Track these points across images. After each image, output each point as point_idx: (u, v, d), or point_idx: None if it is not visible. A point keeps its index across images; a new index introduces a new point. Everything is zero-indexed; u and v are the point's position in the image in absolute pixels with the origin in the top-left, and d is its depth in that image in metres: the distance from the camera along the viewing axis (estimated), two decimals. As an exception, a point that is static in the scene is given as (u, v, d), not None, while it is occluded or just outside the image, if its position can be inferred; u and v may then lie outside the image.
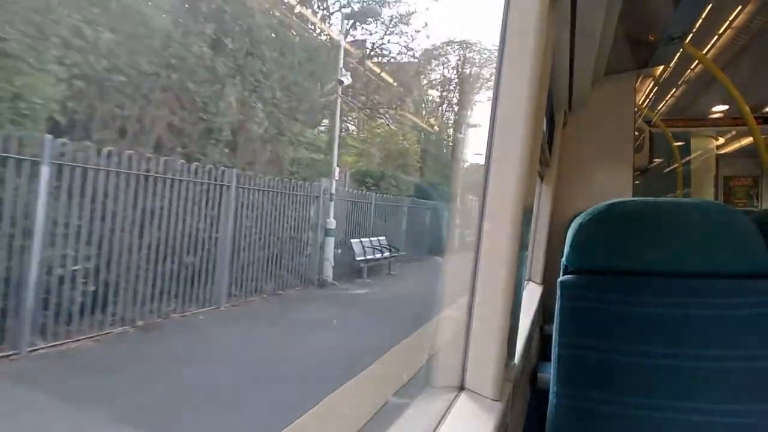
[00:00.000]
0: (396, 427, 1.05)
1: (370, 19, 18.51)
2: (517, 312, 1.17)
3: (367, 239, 12.84)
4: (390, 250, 13.76)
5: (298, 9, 12.93)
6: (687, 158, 11.23)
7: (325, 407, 3.44)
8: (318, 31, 15.19)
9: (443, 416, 0.96)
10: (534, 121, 1.01)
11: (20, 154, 4.62)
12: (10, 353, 4.52)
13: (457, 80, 24.81)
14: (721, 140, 11.33)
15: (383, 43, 19.19)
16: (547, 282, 2.75)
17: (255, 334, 6.47)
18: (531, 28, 0.98)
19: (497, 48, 1.02)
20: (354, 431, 3.08)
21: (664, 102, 9.48)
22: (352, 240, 11.99)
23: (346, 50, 14.61)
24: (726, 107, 8.84)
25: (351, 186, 14.51)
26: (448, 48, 24.83)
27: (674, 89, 8.89)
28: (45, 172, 4.77)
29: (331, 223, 10.73)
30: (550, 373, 1.23)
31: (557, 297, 1.23)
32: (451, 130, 24.68)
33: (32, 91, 5.03)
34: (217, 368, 4.90)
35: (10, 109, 4.87)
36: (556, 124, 2.70)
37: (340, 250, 11.31)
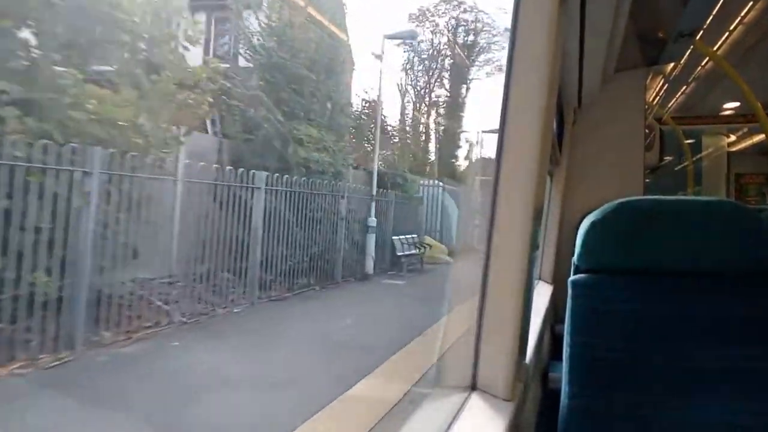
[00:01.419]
0: (408, 427, 1.05)
1: None
2: (528, 312, 1.17)
3: None
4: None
5: None
6: (698, 156, 11.14)
7: None
8: None
9: (455, 416, 0.95)
10: (544, 119, 1.00)
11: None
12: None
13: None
14: (733, 137, 11.23)
15: None
16: (558, 281, 2.74)
17: None
18: (541, 25, 0.98)
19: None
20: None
21: (675, 99, 9.41)
22: None
23: None
24: (737, 104, 8.76)
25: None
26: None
27: (685, 86, 8.81)
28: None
29: None
30: (561, 373, 1.23)
31: (568, 296, 1.23)
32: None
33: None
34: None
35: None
36: (566, 122, 2.69)
37: None
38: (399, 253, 11.98)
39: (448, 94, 21.49)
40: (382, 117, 14.96)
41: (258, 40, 10.00)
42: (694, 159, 10.77)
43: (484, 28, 21.35)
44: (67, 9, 5.46)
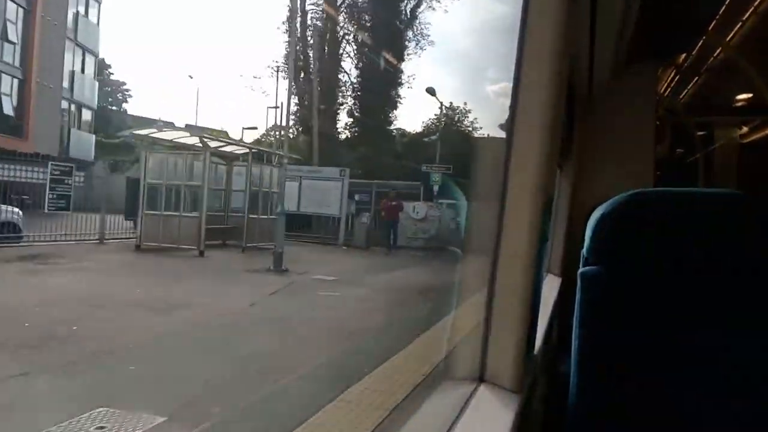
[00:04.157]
0: (415, 419, 1.06)
1: None
2: (537, 304, 1.16)
3: None
4: None
5: None
6: (710, 148, 11.01)
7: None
8: None
9: (462, 408, 0.96)
10: (554, 111, 1.00)
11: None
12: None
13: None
14: (745, 129, 11.09)
15: None
16: (567, 273, 2.73)
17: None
18: (550, 16, 0.97)
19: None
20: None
21: (686, 90, 9.29)
22: None
23: None
24: (750, 95, 8.64)
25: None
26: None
27: (697, 77, 8.69)
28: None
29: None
30: (569, 366, 1.23)
31: (577, 288, 1.22)
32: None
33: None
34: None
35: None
36: (576, 114, 2.67)
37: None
38: None
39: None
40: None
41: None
42: (706, 151, 10.66)
43: None
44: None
